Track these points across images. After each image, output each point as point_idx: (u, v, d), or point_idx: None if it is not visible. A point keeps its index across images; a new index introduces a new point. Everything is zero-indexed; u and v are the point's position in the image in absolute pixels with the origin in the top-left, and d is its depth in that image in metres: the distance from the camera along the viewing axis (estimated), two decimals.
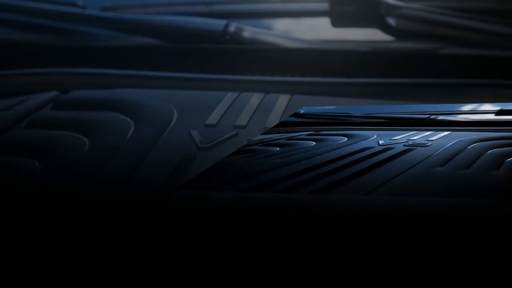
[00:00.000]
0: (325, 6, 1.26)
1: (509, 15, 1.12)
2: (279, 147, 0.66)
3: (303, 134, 0.68)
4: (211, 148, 0.64)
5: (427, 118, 0.72)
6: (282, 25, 1.35)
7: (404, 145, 0.64)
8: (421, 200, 0.57)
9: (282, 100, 0.76)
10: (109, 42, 1.09)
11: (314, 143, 0.66)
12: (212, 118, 0.71)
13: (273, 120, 0.71)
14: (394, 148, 0.63)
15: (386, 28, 1.17)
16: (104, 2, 1.26)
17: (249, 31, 1.07)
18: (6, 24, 1.18)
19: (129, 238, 0.53)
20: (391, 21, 1.17)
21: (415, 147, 0.63)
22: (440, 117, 0.72)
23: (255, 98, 0.76)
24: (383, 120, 0.71)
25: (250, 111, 0.73)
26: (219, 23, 1.07)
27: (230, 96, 0.77)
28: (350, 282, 0.50)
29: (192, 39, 1.06)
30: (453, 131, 0.68)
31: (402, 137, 0.66)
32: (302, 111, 0.71)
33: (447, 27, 1.10)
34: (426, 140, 0.65)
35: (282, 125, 0.69)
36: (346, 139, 0.66)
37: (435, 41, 1.08)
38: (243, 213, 0.55)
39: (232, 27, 1.06)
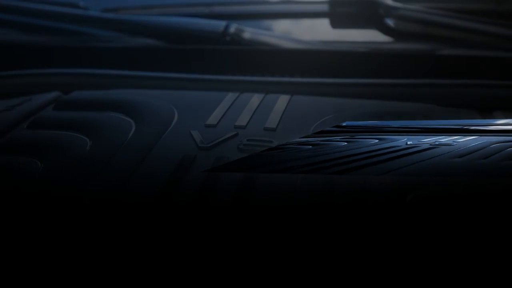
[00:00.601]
0: (324, 7, 1.27)
1: (506, 16, 1.12)
2: (311, 146, 0.66)
3: (338, 138, 0.69)
4: (211, 148, 0.64)
5: (460, 128, 0.73)
6: (282, 26, 1.35)
7: (430, 144, 0.65)
8: (430, 179, 0.59)
9: (282, 101, 0.76)
10: (110, 43, 1.09)
11: (346, 143, 0.67)
12: (213, 118, 0.71)
13: (273, 120, 0.71)
14: (419, 146, 0.64)
15: (385, 29, 1.18)
16: (105, 3, 1.27)
17: (249, 32, 1.07)
18: (9, 25, 1.19)
19: (131, 237, 0.53)
20: (390, 22, 1.17)
21: (440, 146, 0.64)
22: (473, 127, 0.74)
23: (255, 99, 0.76)
24: (417, 129, 0.72)
25: (250, 111, 0.73)
26: (220, 24, 1.07)
27: (230, 96, 0.77)
28: (359, 258, 0.50)
29: (193, 40, 1.06)
30: (482, 136, 0.69)
31: (430, 139, 0.67)
32: (344, 124, 0.72)
33: (445, 28, 1.11)
34: (453, 141, 0.66)
35: (321, 133, 0.70)
36: (377, 140, 0.67)
37: (433, 42, 1.08)
38: (249, 205, 0.55)
39: (233, 28, 1.06)
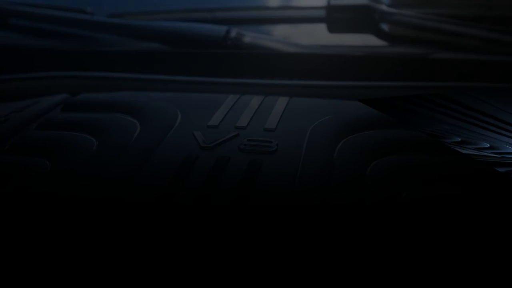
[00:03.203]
0: (322, 13, 1.26)
1: (496, 21, 1.12)
2: None
3: None
4: (213, 148, 0.64)
5: None
6: (281, 31, 1.35)
7: None
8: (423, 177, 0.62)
9: (281, 102, 0.76)
10: (116, 47, 1.09)
11: None
12: (214, 119, 0.71)
13: (272, 121, 0.71)
14: None
15: (380, 34, 1.17)
16: (111, 9, 1.26)
17: (249, 36, 1.06)
18: (20, 30, 1.18)
19: (136, 234, 0.53)
20: (385, 27, 1.17)
21: None
22: None
23: (255, 100, 0.76)
24: None
25: (251, 113, 0.73)
26: (221, 29, 1.07)
27: (231, 98, 0.77)
28: (354, 256, 0.50)
29: (196, 44, 1.05)
30: None
31: None
32: None
33: (437, 32, 1.10)
34: None
35: None
36: None
37: (426, 46, 1.08)
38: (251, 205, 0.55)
39: (234, 32, 1.06)
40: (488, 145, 0.66)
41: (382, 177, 0.60)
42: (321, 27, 1.25)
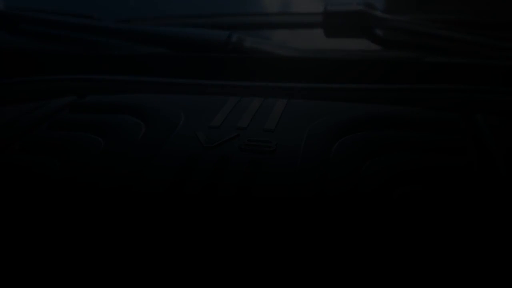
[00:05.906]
0: (319, 18, 1.26)
1: (487, 26, 1.12)
2: None
3: None
4: (215, 148, 0.64)
5: None
6: (280, 35, 1.35)
7: None
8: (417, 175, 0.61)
9: (280, 104, 0.76)
10: (122, 51, 1.09)
11: None
12: (216, 120, 0.71)
13: (271, 122, 0.71)
14: None
15: (375, 39, 1.17)
16: (118, 14, 1.26)
17: (250, 41, 1.06)
18: (30, 35, 1.18)
19: (140, 228, 0.53)
20: (379, 32, 1.17)
21: None
22: None
23: (255, 102, 0.76)
24: None
25: (251, 114, 0.73)
26: (223, 34, 1.07)
27: (232, 100, 0.77)
28: (349, 254, 0.50)
29: (198, 48, 1.05)
30: None
31: None
32: None
33: (430, 37, 1.10)
34: None
35: None
36: None
37: (419, 50, 1.08)
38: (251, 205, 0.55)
39: (234, 37, 1.05)
40: None
41: (377, 176, 0.60)
42: (319, 32, 1.25)
